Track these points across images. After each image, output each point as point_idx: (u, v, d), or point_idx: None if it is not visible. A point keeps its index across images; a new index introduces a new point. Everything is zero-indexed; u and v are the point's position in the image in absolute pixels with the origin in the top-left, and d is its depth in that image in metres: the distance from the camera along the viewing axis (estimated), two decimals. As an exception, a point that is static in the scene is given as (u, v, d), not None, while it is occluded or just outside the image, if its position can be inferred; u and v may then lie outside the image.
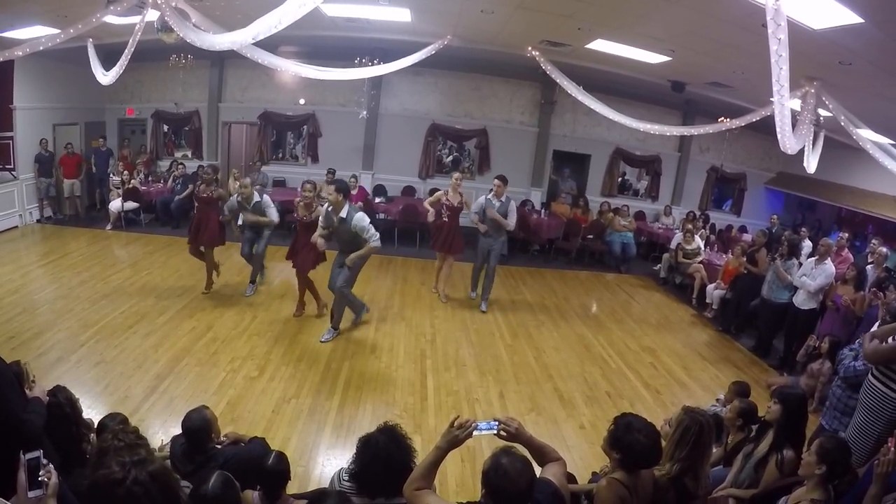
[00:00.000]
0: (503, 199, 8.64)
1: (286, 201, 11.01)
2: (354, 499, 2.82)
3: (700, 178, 15.07)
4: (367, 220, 6.89)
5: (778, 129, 6.21)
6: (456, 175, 9.27)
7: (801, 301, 7.73)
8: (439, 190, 9.48)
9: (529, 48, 9.66)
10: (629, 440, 2.78)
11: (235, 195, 8.45)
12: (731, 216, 15.37)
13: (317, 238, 7.07)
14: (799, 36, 4.29)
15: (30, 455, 2.15)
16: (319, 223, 7.22)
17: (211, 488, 2.61)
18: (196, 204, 8.71)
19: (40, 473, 2.14)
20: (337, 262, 7.29)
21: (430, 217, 8.91)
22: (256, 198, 8.39)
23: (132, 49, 8.01)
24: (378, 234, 6.88)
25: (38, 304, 7.99)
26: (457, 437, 2.64)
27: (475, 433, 2.65)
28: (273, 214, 8.44)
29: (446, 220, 8.89)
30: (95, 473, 1.63)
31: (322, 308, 7.97)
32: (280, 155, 15.16)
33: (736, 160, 14.95)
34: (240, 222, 8.77)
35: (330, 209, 7.00)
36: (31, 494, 2.11)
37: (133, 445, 2.40)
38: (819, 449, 3.14)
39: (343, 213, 6.87)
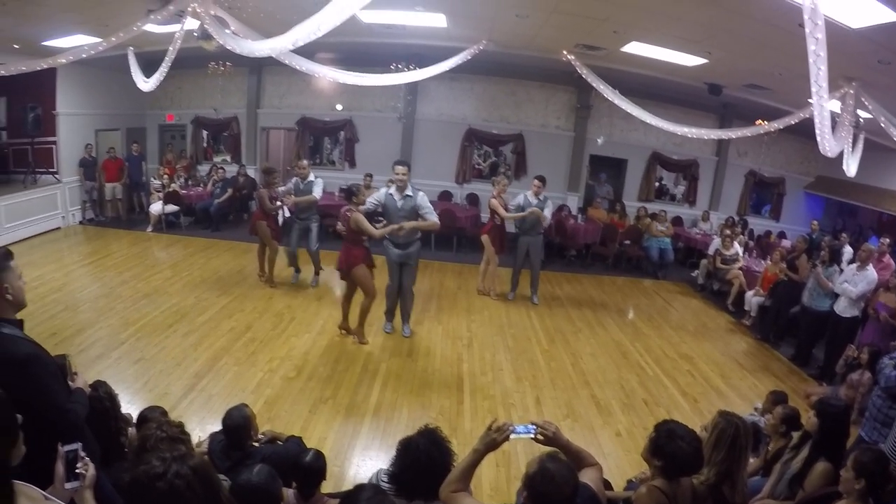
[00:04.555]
0: (541, 198, 9.13)
1: (324, 206, 11.15)
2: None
3: (738, 183, 14.82)
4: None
5: (818, 132, 6.12)
6: (504, 181, 9.55)
7: (843, 308, 7.57)
8: (475, 194, 9.62)
9: (564, 52, 9.62)
10: (671, 448, 2.73)
11: (295, 178, 9.08)
12: (770, 221, 15.07)
13: (393, 228, 7.05)
14: (836, 35, 4.22)
15: (68, 447, 2.19)
16: (368, 202, 7.30)
17: (255, 476, 2.66)
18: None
19: (78, 466, 2.17)
20: (395, 260, 7.43)
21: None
22: (311, 177, 8.99)
23: (172, 57, 8.18)
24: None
25: (80, 302, 8.20)
26: (494, 439, 2.65)
27: (512, 436, 2.67)
28: (317, 191, 8.98)
29: (498, 223, 9.38)
30: (136, 469, 1.65)
31: (346, 325, 7.75)
32: (317, 160, 15.29)
33: (774, 164, 14.69)
34: (287, 214, 9.11)
35: (392, 190, 7.19)
36: (68, 486, 2.14)
37: (175, 438, 2.44)
38: (855, 463, 3.09)
39: (409, 191, 7.15)
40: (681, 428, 2.82)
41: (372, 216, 7.33)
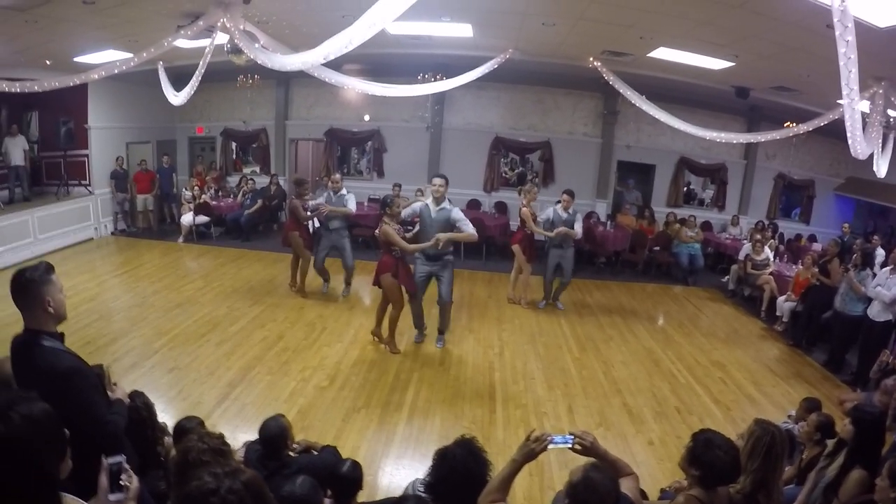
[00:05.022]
0: (570, 211, 9.13)
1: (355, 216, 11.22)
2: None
3: (767, 186, 14.62)
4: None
5: (849, 134, 6.05)
6: (534, 190, 9.69)
7: (876, 313, 7.43)
8: (503, 202, 9.64)
9: (591, 59, 9.62)
10: (709, 457, 2.72)
11: (329, 191, 9.16)
12: (800, 225, 14.80)
13: (428, 245, 7.11)
14: (864, 35, 4.17)
15: (112, 459, 2.20)
16: (404, 213, 7.43)
17: (299, 488, 2.70)
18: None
19: (122, 478, 2.18)
20: (424, 273, 7.46)
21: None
22: (343, 191, 9.05)
23: (202, 71, 8.31)
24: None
25: (113, 311, 8.36)
26: (533, 450, 2.66)
27: (550, 446, 2.68)
28: (351, 205, 9.05)
29: (529, 232, 9.44)
30: (188, 485, 1.66)
31: (378, 331, 7.76)
32: (345, 170, 15.36)
33: (803, 166, 14.46)
34: (316, 224, 9.28)
35: (429, 202, 7.31)
36: (112, 498, 2.16)
37: (217, 450, 2.46)
38: (891, 471, 3.06)
39: (445, 204, 7.22)
40: (718, 437, 2.81)
41: (404, 223, 7.42)
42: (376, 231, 7.28)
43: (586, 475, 2.36)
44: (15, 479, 1.57)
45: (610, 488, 2.33)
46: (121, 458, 2.24)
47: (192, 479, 2.31)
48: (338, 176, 9.32)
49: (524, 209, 9.23)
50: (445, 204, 7.25)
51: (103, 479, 2.18)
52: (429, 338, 7.93)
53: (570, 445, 2.73)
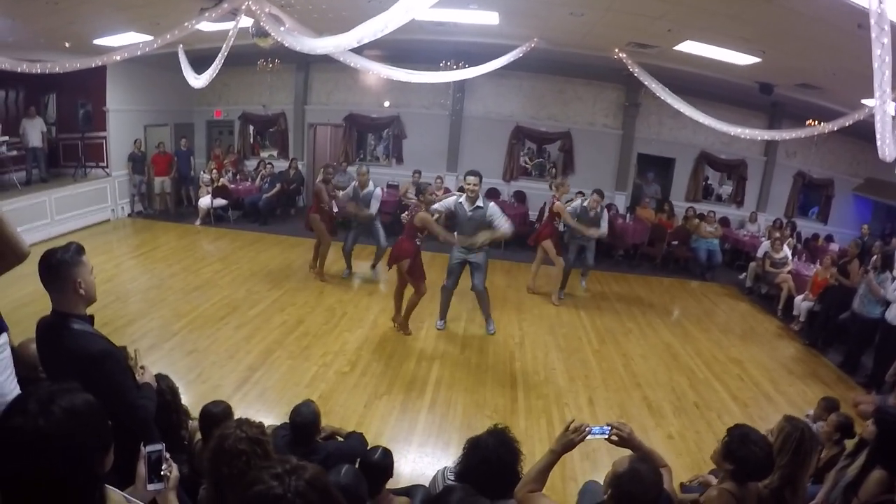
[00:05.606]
0: (598, 210, 9.14)
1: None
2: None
3: (786, 184, 14.48)
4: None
5: (878, 136, 5.96)
6: (566, 184, 9.73)
7: (894, 317, 7.35)
8: (522, 191, 9.59)
9: (616, 50, 9.55)
10: (745, 452, 2.74)
11: (353, 183, 9.20)
12: (817, 224, 14.67)
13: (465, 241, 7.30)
14: (893, 36, 4.14)
15: (151, 448, 2.13)
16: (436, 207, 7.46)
17: (343, 477, 2.69)
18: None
19: (163, 467, 2.12)
20: (458, 259, 7.51)
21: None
22: (370, 187, 9.08)
23: (225, 54, 8.27)
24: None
25: (131, 293, 8.40)
26: (572, 440, 2.69)
27: (589, 437, 2.69)
28: (374, 207, 9.06)
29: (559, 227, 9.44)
30: (249, 488, 1.60)
31: (399, 319, 7.74)
32: (361, 156, 15.36)
33: (823, 165, 14.32)
34: (335, 209, 9.50)
35: (462, 200, 7.33)
36: (150, 487, 2.10)
37: (255, 440, 2.43)
38: None
39: (480, 202, 7.24)
40: (754, 433, 2.84)
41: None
42: (404, 215, 7.31)
43: (633, 466, 2.37)
44: (57, 475, 1.53)
45: (655, 480, 2.35)
46: (160, 447, 2.17)
47: (234, 468, 2.30)
48: (365, 169, 9.28)
49: (557, 203, 9.16)
50: (480, 202, 7.27)
51: (142, 468, 2.13)
52: (447, 326, 7.95)
53: (606, 436, 2.75)
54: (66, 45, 9.86)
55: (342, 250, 9.50)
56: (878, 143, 6.06)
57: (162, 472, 2.14)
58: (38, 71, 8.11)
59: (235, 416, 3.26)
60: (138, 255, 10.39)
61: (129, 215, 13.12)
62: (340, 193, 9.29)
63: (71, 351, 2.55)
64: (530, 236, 10.07)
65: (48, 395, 1.60)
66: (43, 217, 10.77)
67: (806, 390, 7.23)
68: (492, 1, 8.01)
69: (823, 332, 8.81)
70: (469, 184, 7.23)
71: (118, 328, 6.96)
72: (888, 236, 12.54)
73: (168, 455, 2.19)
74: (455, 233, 7.48)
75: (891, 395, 6.46)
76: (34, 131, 11.41)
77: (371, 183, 9.21)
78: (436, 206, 7.38)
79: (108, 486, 1.82)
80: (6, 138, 11.01)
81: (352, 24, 5.48)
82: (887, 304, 7.51)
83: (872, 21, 3.93)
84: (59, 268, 2.55)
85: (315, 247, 9.57)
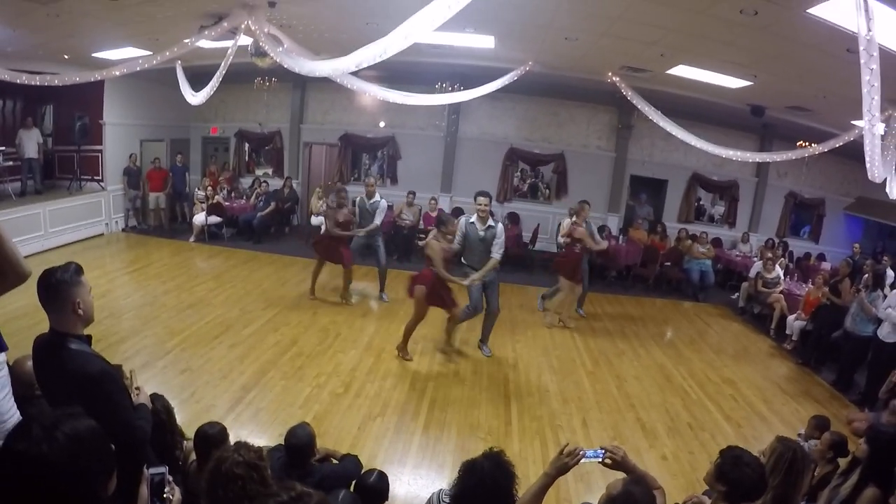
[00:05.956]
0: (588, 221, 9.14)
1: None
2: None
3: (778, 204, 14.65)
4: None
5: (867, 158, 6.07)
6: (587, 208, 9.34)
7: (886, 334, 7.40)
8: (516, 213, 9.64)
9: (609, 73, 9.66)
10: (738, 474, 2.76)
11: (363, 195, 9.25)
12: (809, 243, 14.80)
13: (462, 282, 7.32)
14: (882, 59, 4.22)
15: (154, 470, 2.18)
16: (456, 240, 7.48)
17: (341, 502, 2.70)
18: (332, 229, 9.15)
19: (165, 490, 2.17)
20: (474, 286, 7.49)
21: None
22: (377, 197, 9.16)
23: (223, 72, 8.32)
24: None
25: (124, 309, 8.35)
26: (566, 463, 2.71)
27: (583, 461, 2.72)
28: (379, 219, 9.11)
29: (578, 251, 9.21)
30: None
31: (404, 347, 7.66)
32: (356, 175, 15.38)
33: (814, 185, 14.47)
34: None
35: (473, 219, 7.44)
36: None
37: (253, 465, 2.44)
38: None
39: (491, 222, 7.41)
40: (746, 455, 2.85)
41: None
42: (422, 243, 7.36)
43: (627, 489, 2.39)
44: (60, 500, 1.56)
45: (648, 503, 2.36)
46: (163, 470, 2.22)
47: (230, 492, 2.32)
48: (372, 179, 9.45)
49: (580, 229, 9.06)
50: (491, 221, 7.42)
51: (144, 491, 2.16)
52: (441, 347, 7.95)
53: (600, 459, 2.77)
54: (66, 57, 9.90)
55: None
56: (868, 164, 6.17)
57: (164, 496, 2.19)
58: (38, 83, 8.13)
59: (230, 437, 3.27)
60: (132, 270, 10.37)
61: (124, 230, 13.11)
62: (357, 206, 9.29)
63: (69, 371, 2.54)
64: (555, 265, 9.76)
65: (52, 420, 1.63)
66: (37, 229, 10.76)
67: (799, 409, 7.26)
68: (488, 24, 8.08)
69: (816, 351, 8.85)
70: (481, 204, 7.34)
71: (111, 345, 6.92)
72: (879, 254, 12.62)
73: (171, 478, 2.25)
74: (462, 258, 7.57)
75: (884, 412, 6.48)
76: (30, 142, 11.40)
77: (378, 194, 9.27)
78: (456, 240, 7.46)
79: None
80: (2, 149, 11.03)
81: (350, 46, 5.55)
82: (879, 321, 7.57)
83: (861, 47, 4.01)
84: (59, 288, 2.55)
85: (314, 271, 9.49)
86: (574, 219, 9.51)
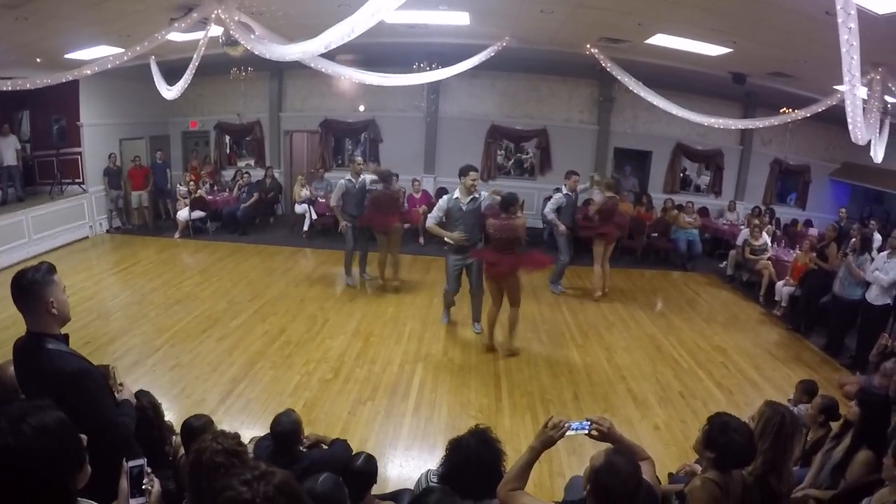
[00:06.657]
0: (579, 190, 9.61)
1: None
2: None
3: (763, 172, 14.63)
4: None
5: (849, 120, 6.05)
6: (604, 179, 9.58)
7: (874, 297, 7.43)
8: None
9: (588, 46, 9.58)
10: (725, 440, 2.75)
11: (348, 175, 9.27)
12: (796, 210, 14.80)
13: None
14: (863, 21, 4.15)
15: (133, 463, 2.16)
16: (433, 217, 7.59)
17: (320, 485, 2.66)
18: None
19: (144, 482, 2.15)
20: (457, 266, 7.64)
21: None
22: (362, 177, 9.20)
23: (196, 64, 8.22)
24: None
25: (112, 310, 8.31)
26: (551, 437, 2.67)
27: (568, 433, 2.68)
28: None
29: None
30: (221, 495, 1.60)
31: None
32: (339, 161, 15.33)
33: (799, 151, 14.46)
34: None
35: (456, 195, 7.47)
36: (133, 502, 2.13)
37: (232, 451, 2.41)
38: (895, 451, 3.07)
39: (475, 195, 7.46)
40: (734, 421, 2.84)
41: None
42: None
43: (609, 459, 2.36)
44: (28, 492, 1.55)
45: (632, 472, 2.34)
46: (142, 462, 2.21)
47: (213, 482, 2.28)
48: (360, 158, 9.62)
49: (623, 204, 9.09)
50: (475, 194, 7.44)
51: (124, 483, 2.16)
52: (435, 327, 7.98)
53: (587, 431, 2.75)
54: (38, 60, 9.76)
55: (347, 251, 9.50)
56: (850, 127, 6.15)
57: (143, 487, 2.16)
58: (10, 88, 8.00)
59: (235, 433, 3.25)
60: (118, 271, 10.30)
61: (108, 231, 12.98)
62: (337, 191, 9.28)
63: (47, 371, 2.53)
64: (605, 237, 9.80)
65: (19, 413, 1.62)
66: (21, 237, 10.62)
67: (790, 374, 7.26)
68: (462, 1, 8.00)
69: (805, 316, 8.87)
70: (472, 178, 7.36)
71: (100, 346, 6.90)
72: (866, 219, 12.65)
73: (149, 469, 2.22)
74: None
75: (875, 374, 6.49)
76: (8, 150, 11.24)
77: (363, 175, 9.26)
78: (431, 215, 7.53)
79: (89, 501, 1.85)
80: (-20, 158, 10.86)
81: (322, 29, 5.46)
82: (867, 285, 7.59)
83: (839, 6, 3.95)
84: (31, 288, 2.53)
85: (380, 260, 9.40)
86: (607, 192, 9.58)
